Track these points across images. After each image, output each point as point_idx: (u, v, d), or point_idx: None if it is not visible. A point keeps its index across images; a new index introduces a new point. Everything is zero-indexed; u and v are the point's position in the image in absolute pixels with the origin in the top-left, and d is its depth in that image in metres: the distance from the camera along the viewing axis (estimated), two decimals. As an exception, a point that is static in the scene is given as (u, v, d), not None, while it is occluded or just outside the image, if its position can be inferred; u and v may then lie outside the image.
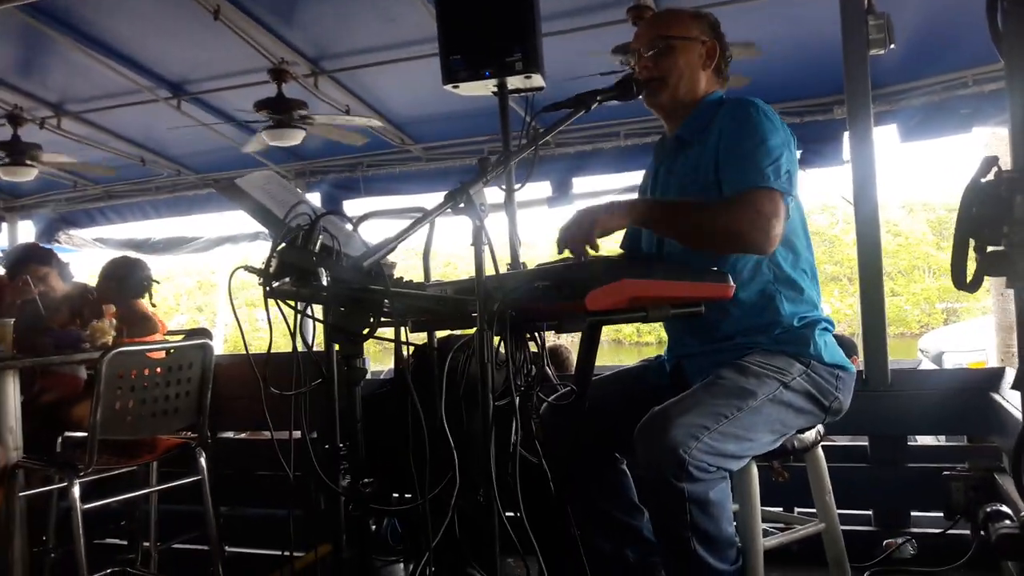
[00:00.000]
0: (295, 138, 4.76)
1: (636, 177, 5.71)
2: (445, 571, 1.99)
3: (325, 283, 1.46)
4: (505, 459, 1.58)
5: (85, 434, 3.05)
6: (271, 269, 1.52)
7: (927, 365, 5.68)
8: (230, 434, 4.08)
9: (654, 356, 2.24)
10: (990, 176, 1.01)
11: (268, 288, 1.52)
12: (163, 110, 5.25)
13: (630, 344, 26.36)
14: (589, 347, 1.74)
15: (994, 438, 2.82)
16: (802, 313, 1.93)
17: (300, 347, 1.56)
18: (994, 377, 2.87)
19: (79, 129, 5.58)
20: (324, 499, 2.12)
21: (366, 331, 1.61)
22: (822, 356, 1.90)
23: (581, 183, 5.82)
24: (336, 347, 1.67)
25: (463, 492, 1.69)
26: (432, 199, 6.05)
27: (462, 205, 1.45)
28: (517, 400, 1.53)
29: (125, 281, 3.60)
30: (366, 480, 1.71)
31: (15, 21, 4.27)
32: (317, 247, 1.58)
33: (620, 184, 5.83)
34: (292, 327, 1.64)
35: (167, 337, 3.51)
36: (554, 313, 1.55)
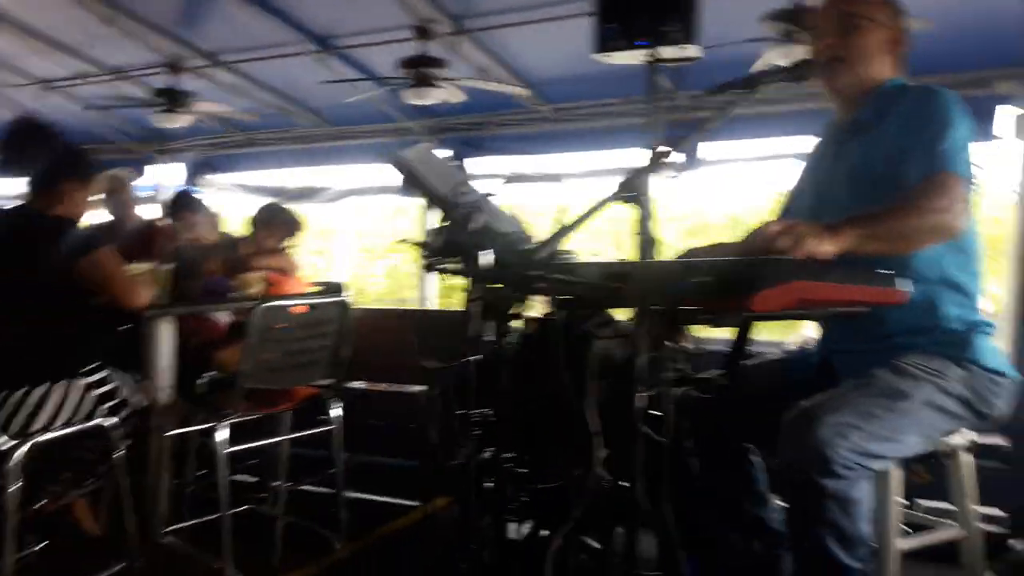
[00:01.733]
0: (436, 97, 4.78)
1: (767, 146, 5.51)
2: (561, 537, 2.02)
3: (487, 262, 1.47)
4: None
5: (223, 375, 3.24)
6: (435, 245, 1.56)
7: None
8: (356, 384, 4.22)
9: (796, 348, 2.18)
10: None
11: (430, 263, 1.57)
12: (307, 63, 5.39)
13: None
14: (742, 342, 1.70)
15: None
16: (965, 316, 1.85)
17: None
18: None
19: (228, 78, 5.81)
20: (442, 455, 2.19)
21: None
22: (982, 361, 1.82)
23: (707, 149, 5.65)
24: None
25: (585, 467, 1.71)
26: (558, 159, 5.99)
27: (631, 195, 1.42)
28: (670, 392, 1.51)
29: (273, 224, 3.77)
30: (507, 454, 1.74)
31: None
32: (477, 227, 1.61)
33: (750, 153, 5.62)
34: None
35: (308, 290, 3.65)
36: (712, 308, 1.51)
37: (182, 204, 3.94)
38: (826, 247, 1.53)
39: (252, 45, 5.38)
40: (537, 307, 1.92)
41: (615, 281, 1.56)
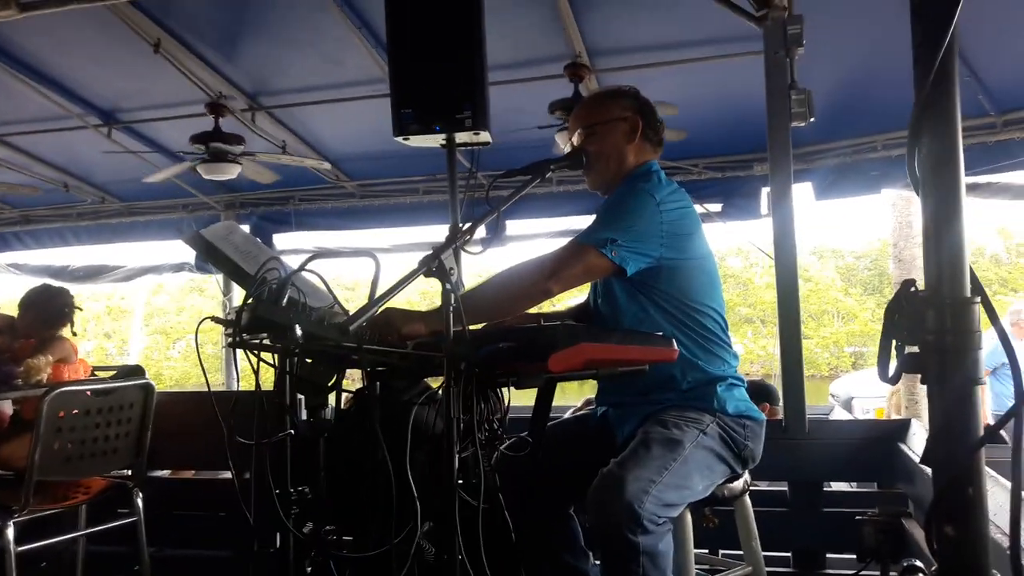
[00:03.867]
0: (231, 173, 4.75)
1: (567, 222, 5.93)
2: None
3: (299, 336, 1.51)
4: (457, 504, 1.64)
5: (10, 472, 2.97)
6: (242, 322, 1.58)
7: (839, 410, 6.02)
8: (159, 473, 3.98)
9: (595, 407, 2.36)
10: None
11: (238, 339, 1.58)
12: (91, 137, 5.17)
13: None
14: (544, 402, 1.84)
15: (901, 485, 3.02)
16: (706, 370, 2.05)
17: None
18: (901, 428, 3.08)
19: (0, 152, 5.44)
20: (258, 542, 2.15)
21: (331, 383, 1.68)
22: (726, 409, 2.03)
23: (514, 226, 5.98)
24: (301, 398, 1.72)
25: (409, 536, 1.75)
26: (364, 235, 6.09)
27: (434, 269, 1.53)
28: (480, 452, 1.60)
29: (45, 310, 3.47)
30: (328, 527, 1.75)
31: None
32: (286, 301, 1.65)
33: (552, 228, 6.00)
34: (257, 378, 1.70)
35: (100, 374, 3.44)
36: (514, 370, 1.64)
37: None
38: (415, 328, 1.74)
39: (28, 118, 5.09)
40: (352, 380, 1.96)
41: (426, 350, 1.67)
